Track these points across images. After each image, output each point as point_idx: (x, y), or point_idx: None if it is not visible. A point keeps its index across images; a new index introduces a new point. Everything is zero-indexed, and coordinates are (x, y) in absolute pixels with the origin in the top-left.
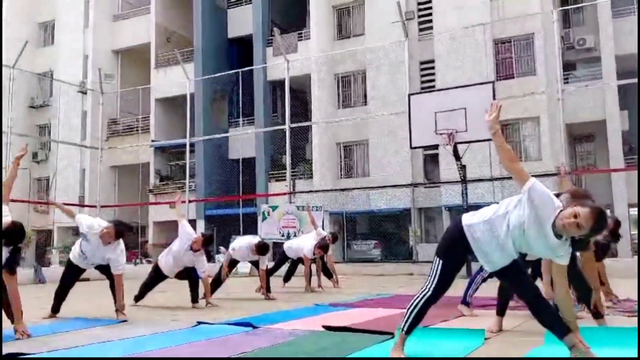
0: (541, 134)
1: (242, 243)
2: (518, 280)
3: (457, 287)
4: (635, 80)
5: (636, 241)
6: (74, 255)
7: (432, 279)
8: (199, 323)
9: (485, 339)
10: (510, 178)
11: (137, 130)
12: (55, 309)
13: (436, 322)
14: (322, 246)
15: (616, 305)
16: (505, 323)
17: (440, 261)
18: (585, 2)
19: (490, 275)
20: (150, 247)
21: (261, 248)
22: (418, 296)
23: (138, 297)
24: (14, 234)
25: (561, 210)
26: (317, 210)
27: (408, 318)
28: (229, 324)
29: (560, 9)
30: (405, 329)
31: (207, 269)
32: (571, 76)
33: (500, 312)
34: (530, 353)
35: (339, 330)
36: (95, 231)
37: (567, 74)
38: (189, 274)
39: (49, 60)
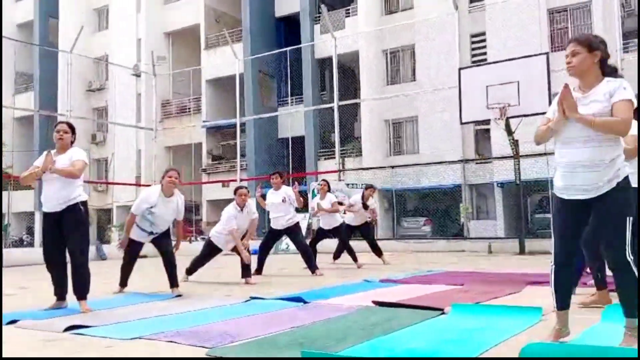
0: None
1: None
2: None
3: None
4: None
5: None
6: (134, 232)
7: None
8: (252, 298)
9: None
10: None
11: (189, 111)
12: (123, 282)
13: (486, 299)
14: (368, 187)
15: None
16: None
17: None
18: None
19: None
20: (204, 225)
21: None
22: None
23: (190, 271)
24: None
25: None
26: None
27: None
28: (281, 299)
29: None
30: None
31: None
32: (631, 44)
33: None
34: (583, 333)
35: (388, 306)
36: (155, 196)
37: (627, 43)
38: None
39: (104, 44)
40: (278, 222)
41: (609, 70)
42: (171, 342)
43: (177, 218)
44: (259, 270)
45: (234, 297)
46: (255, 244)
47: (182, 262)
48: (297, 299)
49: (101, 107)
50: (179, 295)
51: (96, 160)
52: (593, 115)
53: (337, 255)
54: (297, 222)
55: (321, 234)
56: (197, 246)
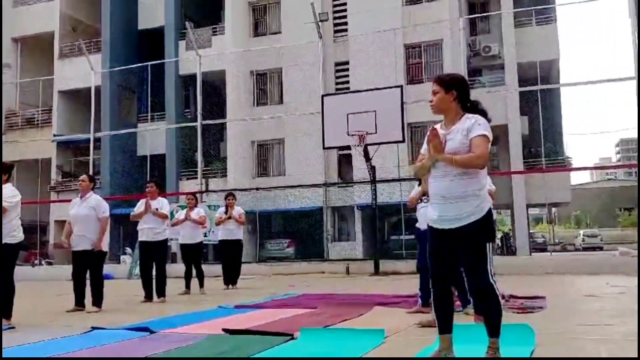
0: None
1: None
2: None
3: (361, 286)
4: (534, 87)
5: (534, 240)
6: None
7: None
8: (93, 328)
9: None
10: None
11: (37, 124)
12: None
13: (336, 322)
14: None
15: (508, 303)
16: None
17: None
18: (490, 12)
19: None
20: (51, 248)
21: None
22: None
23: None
24: None
25: None
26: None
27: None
28: (125, 329)
29: (467, 17)
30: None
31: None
32: (477, 81)
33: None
34: (421, 353)
35: (239, 334)
36: None
37: (472, 79)
38: None
39: None
40: (145, 233)
41: (470, 106)
42: None
43: None
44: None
45: (74, 328)
46: (106, 268)
47: (21, 287)
48: (143, 329)
49: None
50: (12, 327)
51: None
52: (455, 150)
53: (227, 280)
54: (165, 240)
55: (184, 249)
56: (42, 271)
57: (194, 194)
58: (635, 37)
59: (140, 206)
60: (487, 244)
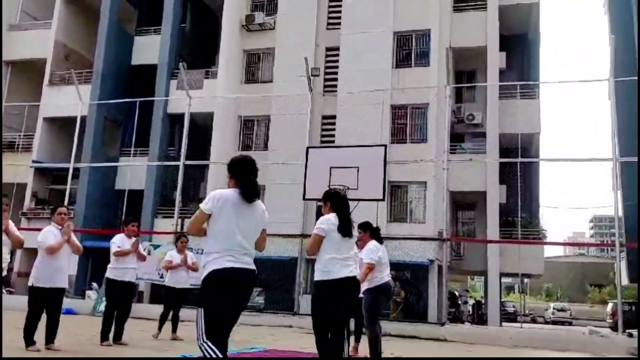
0: (427, 198)
1: None
2: None
3: None
4: (514, 159)
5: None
6: None
7: None
8: None
9: None
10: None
11: (17, 148)
12: None
13: None
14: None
15: None
16: None
17: None
18: (476, 82)
19: None
20: (14, 276)
21: None
22: None
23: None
24: None
25: None
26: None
27: None
28: None
29: (454, 85)
30: None
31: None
32: (458, 147)
33: None
34: None
35: None
36: None
37: (454, 145)
38: None
39: None
40: (129, 273)
41: None
42: None
43: None
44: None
45: None
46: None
47: None
48: None
49: None
50: None
51: None
52: None
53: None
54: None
55: (172, 294)
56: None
57: (185, 235)
58: (614, 118)
59: (129, 244)
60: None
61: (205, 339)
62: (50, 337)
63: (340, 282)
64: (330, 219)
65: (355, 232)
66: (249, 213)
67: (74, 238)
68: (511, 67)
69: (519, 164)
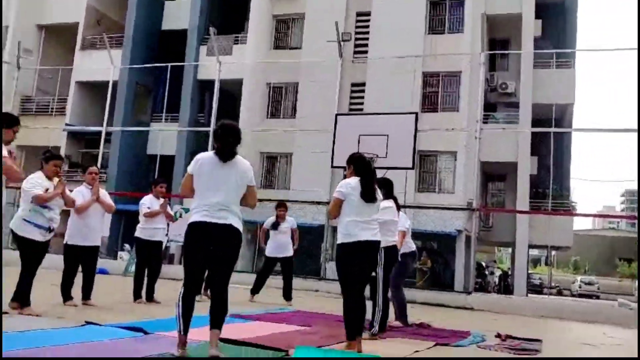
0: (457, 168)
1: None
2: None
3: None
4: (547, 129)
5: (531, 281)
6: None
7: None
8: (87, 323)
9: None
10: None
11: (51, 112)
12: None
13: (331, 343)
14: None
15: (504, 342)
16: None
17: None
18: (510, 50)
19: None
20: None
21: None
22: None
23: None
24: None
25: None
26: None
27: None
28: (119, 327)
29: (488, 52)
30: None
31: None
32: (491, 117)
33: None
34: None
35: (232, 343)
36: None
37: (487, 114)
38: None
39: None
40: (159, 233)
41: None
42: None
43: None
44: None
45: (67, 320)
46: (101, 263)
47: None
48: (137, 329)
49: None
50: (5, 313)
51: None
52: None
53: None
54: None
55: (272, 262)
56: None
57: (284, 203)
58: None
59: (157, 205)
60: None
61: (182, 285)
62: (86, 294)
63: (361, 244)
64: (349, 183)
65: (380, 196)
66: (225, 172)
67: (106, 197)
68: (546, 35)
69: (552, 134)
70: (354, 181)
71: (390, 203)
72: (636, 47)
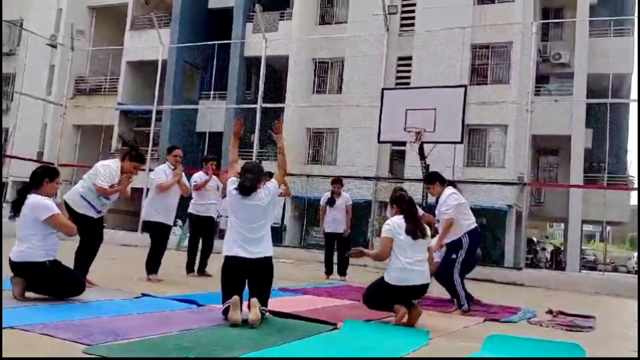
0: (507, 143)
1: None
2: None
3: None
4: (604, 100)
5: (585, 257)
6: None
7: None
8: (143, 295)
9: (430, 339)
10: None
11: (104, 91)
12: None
13: (379, 318)
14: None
15: (556, 318)
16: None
17: None
18: (564, 19)
19: None
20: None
21: None
22: None
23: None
24: None
25: None
26: None
27: None
28: (173, 299)
29: (540, 21)
30: None
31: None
32: (543, 89)
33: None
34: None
35: (282, 317)
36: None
37: (539, 86)
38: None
39: (20, 7)
40: (210, 208)
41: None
42: (45, 334)
43: None
44: (199, 270)
45: (123, 293)
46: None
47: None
48: (190, 301)
49: (8, 73)
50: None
51: None
52: None
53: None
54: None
55: (331, 237)
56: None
57: (340, 179)
58: None
59: (204, 179)
60: None
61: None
62: (153, 268)
63: (416, 288)
64: (395, 221)
65: (429, 232)
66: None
67: (184, 179)
68: (603, 2)
69: (609, 106)
70: (399, 219)
71: (450, 189)
72: None
